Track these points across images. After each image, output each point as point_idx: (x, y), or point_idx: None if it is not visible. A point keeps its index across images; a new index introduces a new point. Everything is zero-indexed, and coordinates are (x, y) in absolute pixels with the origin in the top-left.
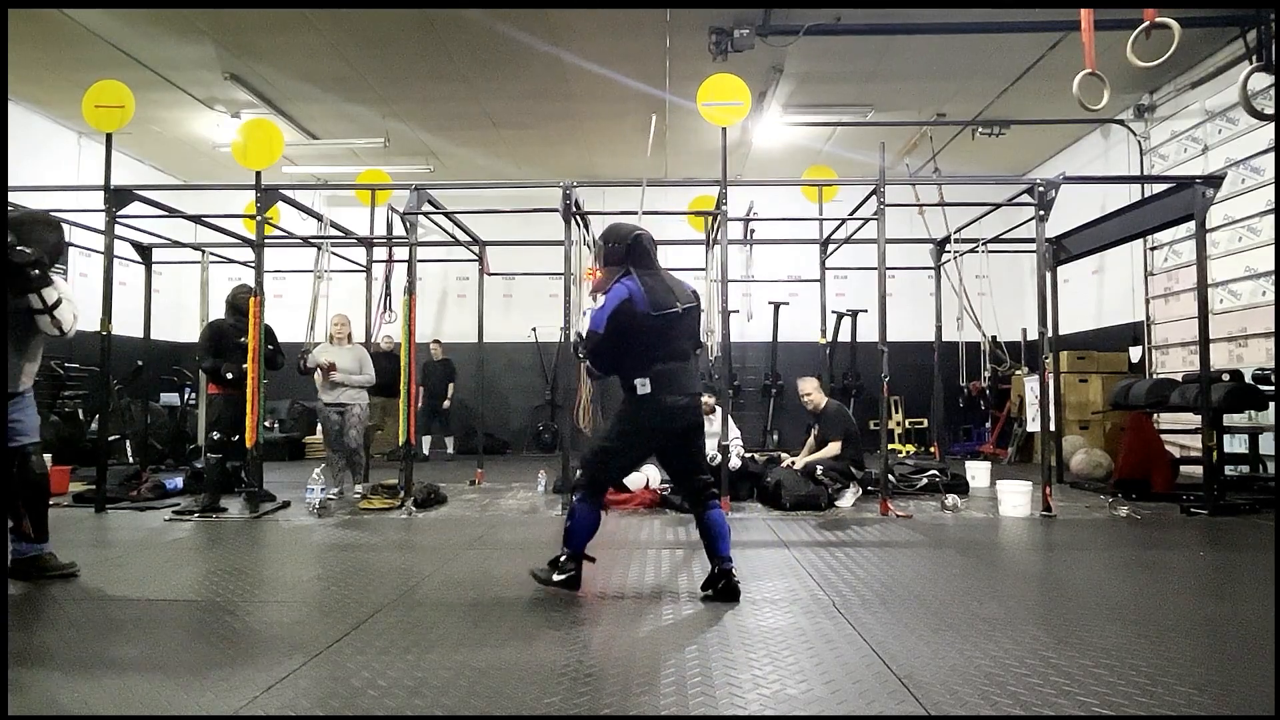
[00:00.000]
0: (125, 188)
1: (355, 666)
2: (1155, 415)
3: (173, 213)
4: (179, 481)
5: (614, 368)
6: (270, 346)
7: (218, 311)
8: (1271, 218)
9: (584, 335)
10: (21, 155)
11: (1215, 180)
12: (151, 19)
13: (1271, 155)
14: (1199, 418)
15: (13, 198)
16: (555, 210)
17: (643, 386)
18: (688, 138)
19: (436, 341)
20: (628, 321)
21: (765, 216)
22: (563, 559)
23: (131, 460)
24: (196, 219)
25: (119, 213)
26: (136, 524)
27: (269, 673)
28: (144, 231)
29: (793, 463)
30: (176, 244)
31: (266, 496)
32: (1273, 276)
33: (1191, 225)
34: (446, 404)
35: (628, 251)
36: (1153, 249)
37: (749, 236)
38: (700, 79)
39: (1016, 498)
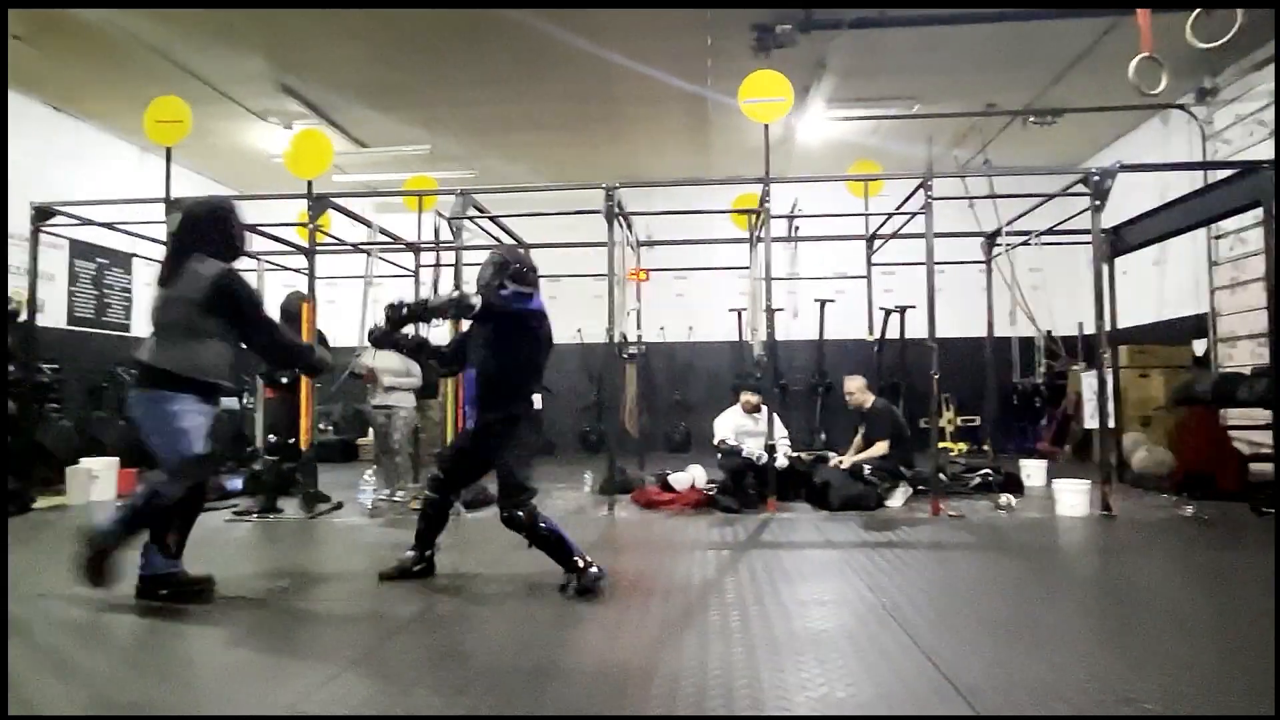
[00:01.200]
0: (184, 199)
1: (403, 665)
2: (1222, 411)
3: None
4: (239, 483)
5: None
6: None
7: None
8: None
9: (507, 298)
10: (87, 169)
11: None
12: (207, 35)
13: None
14: (1269, 413)
15: (79, 210)
16: (598, 212)
17: (538, 402)
18: (731, 135)
19: None
20: (536, 337)
21: (810, 213)
22: (581, 567)
23: None
24: (252, 228)
25: None
26: (199, 524)
27: (319, 670)
28: None
29: (840, 462)
30: None
31: (321, 497)
32: None
33: (1259, 212)
34: None
35: (531, 277)
36: (1217, 238)
37: (793, 233)
38: (742, 76)
39: (1074, 497)
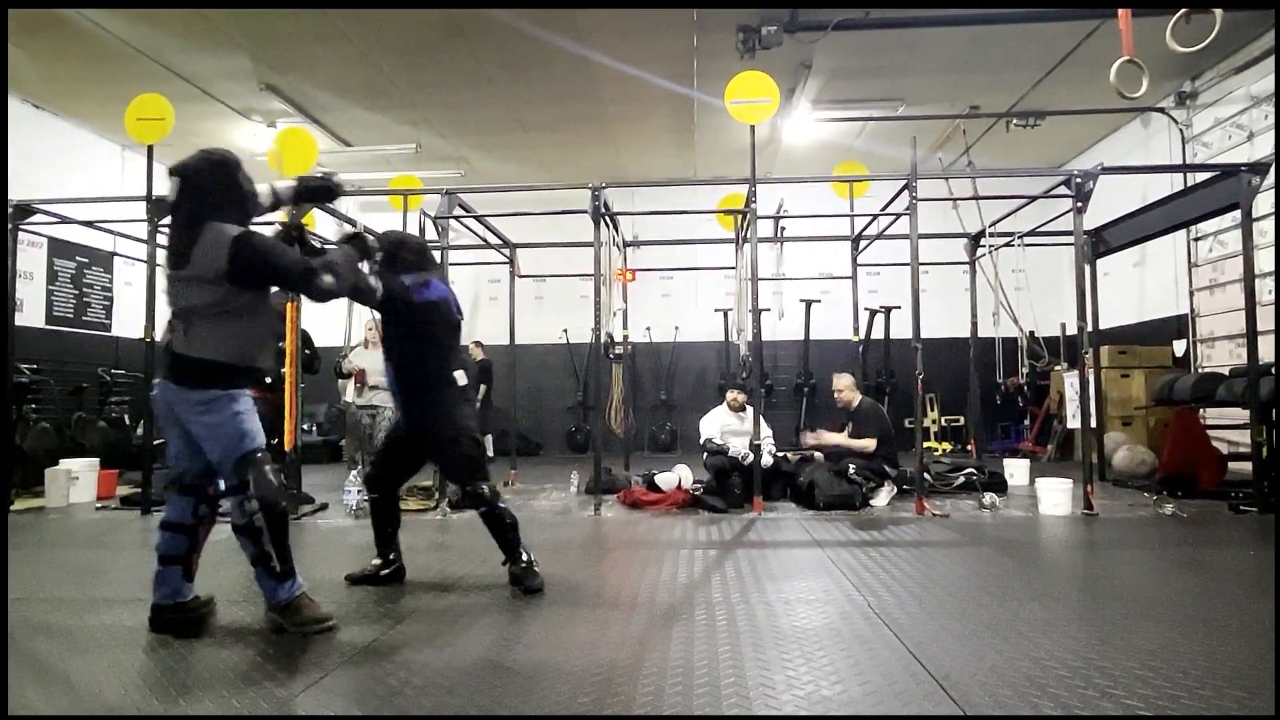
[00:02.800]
0: (166, 198)
1: (392, 666)
2: (1201, 410)
3: None
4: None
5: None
6: (307, 351)
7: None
8: None
9: (405, 289)
10: (67, 168)
11: (1261, 167)
12: (190, 33)
13: None
14: (1247, 412)
15: (59, 208)
16: (584, 212)
17: (462, 377)
18: (717, 136)
19: (477, 343)
20: (443, 318)
21: (795, 214)
22: (527, 560)
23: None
24: None
25: (161, 222)
26: None
27: (308, 672)
28: None
29: (819, 435)
30: None
31: (304, 499)
32: None
33: (1237, 214)
34: (477, 405)
35: (424, 260)
36: (1196, 240)
37: (779, 234)
38: (728, 77)
39: (1057, 496)
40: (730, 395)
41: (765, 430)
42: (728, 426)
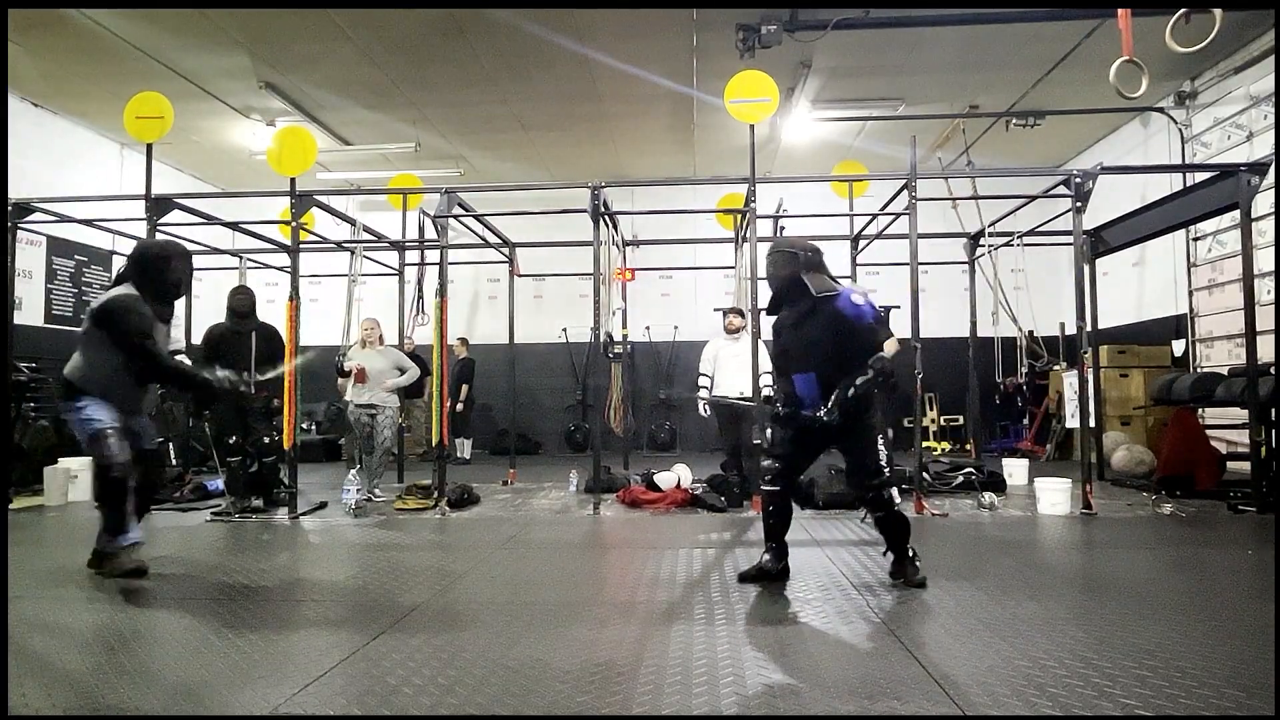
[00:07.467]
0: (165, 196)
1: (390, 665)
2: (1200, 410)
3: (211, 220)
4: (220, 483)
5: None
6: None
7: (259, 316)
8: None
9: None
10: (66, 166)
11: (1260, 167)
12: (189, 31)
13: None
14: (1246, 412)
15: (58, 207)
16: (584, 211)
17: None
18: (716, 135)
19: (461, 340)
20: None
21: (795, 213)
22: None
23: (174, 463)
24: (234, 226)
25: (159, 220)
26: (179, 524)
27: (306, 671)
28: (184, 239)
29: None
30: (215, 250)
31: (265, 496)
32: None
33: (1236, 214)
34: (459, 406)
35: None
36: (1195, 239)
37: (778, 234)
38: (728, 76)
39: (1055, 495)
40: (728, 319)
41: (765, 364)
42: (723, 351)
